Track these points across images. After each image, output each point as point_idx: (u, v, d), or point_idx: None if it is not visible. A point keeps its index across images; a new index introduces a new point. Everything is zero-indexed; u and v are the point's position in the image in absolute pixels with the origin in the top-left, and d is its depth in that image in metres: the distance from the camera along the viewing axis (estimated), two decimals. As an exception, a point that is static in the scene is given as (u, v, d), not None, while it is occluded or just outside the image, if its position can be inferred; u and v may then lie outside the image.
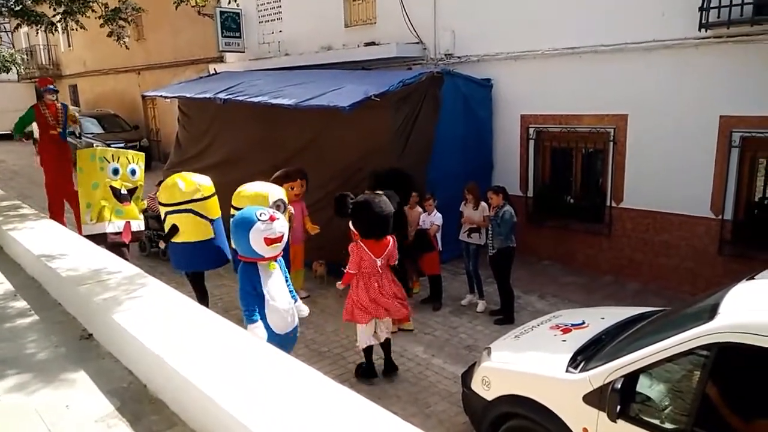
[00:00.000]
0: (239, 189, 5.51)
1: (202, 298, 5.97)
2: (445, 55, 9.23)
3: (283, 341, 3.96)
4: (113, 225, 6.42)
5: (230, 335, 2.84)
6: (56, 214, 7.10)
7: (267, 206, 5.31)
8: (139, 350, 2.80)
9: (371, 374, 5.24)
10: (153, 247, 8.69)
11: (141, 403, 2.65)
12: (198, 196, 5.54)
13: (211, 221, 5.67)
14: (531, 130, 8.48)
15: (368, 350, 5.19)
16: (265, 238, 3.87)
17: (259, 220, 3.89)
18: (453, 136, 8.14)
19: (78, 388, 2.78)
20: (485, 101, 8.72)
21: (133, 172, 6.70)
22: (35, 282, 4.34)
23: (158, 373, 2.67)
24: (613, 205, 7.72)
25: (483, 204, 6.64)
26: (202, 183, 5.66)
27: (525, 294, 7.17)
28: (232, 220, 4.15)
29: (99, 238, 6.03)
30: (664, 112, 7.06)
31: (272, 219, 3.94)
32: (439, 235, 6.73)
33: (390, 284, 5.13)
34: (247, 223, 3.91)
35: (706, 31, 6.39)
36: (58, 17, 7.01)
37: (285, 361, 2.56)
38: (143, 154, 7.15)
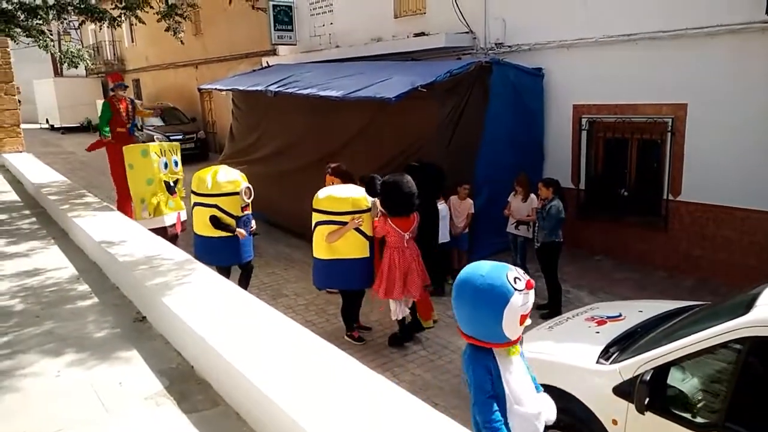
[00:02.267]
0: (326, 192, 5.49)
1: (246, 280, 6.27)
2: (496, 44, 9.08)
3: None
4: (169, 217, 6.64)
5: (274, 322, 2.93)
6: (124, 206, 7.30)
7: (365, 207, 5.36)
8: (187, 333, 2.93)
9: (406, 339, 5.76)
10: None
11: (188, 383, 2.78)
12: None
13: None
14: (584, 121, 8.23)
15: (402, 320, 5.72)
16: (522, 315, 2.44)
17: (516, 289, 2.39)
18: (502, 127, 7.98)
19: (131, 367, 2.94)
20: (536, 91, 8.52)
21: (176, 164, 6.84)
22: (96, 266, 4.59)
23: (204, 355, 2.78)
24: (671, 198, 7.41)
25: (532, 196, 6.53)
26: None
27: (575, 289, 7.00)
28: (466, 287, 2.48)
29: (158, 232, 6.23)
30: (726, 100, 6.70)
31: (530, 286, 2.46)
32: (444, 224, 6.79)
33: (413, 256, 5.48)
34: (503, 296, 2.37)
35: (774, 14, 6.04)
36: (118, 12, 7.35)
37: (328, 350, 2.61)
38: (178, 144, 7.23)
